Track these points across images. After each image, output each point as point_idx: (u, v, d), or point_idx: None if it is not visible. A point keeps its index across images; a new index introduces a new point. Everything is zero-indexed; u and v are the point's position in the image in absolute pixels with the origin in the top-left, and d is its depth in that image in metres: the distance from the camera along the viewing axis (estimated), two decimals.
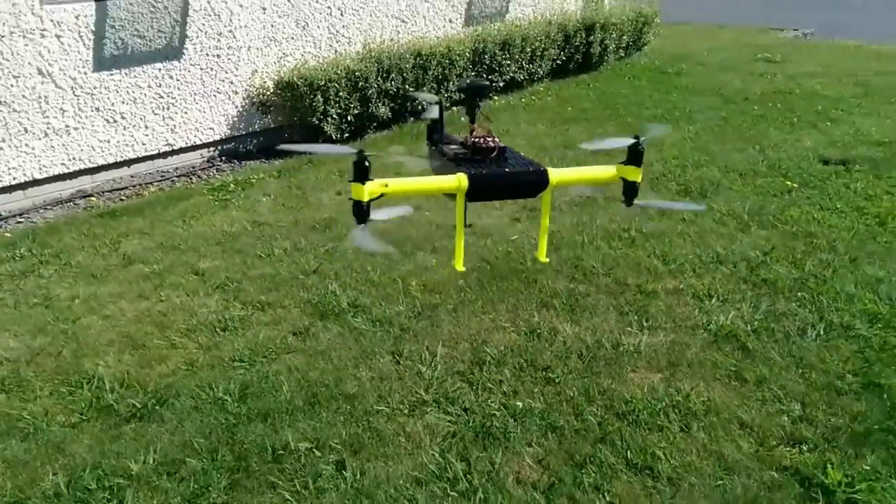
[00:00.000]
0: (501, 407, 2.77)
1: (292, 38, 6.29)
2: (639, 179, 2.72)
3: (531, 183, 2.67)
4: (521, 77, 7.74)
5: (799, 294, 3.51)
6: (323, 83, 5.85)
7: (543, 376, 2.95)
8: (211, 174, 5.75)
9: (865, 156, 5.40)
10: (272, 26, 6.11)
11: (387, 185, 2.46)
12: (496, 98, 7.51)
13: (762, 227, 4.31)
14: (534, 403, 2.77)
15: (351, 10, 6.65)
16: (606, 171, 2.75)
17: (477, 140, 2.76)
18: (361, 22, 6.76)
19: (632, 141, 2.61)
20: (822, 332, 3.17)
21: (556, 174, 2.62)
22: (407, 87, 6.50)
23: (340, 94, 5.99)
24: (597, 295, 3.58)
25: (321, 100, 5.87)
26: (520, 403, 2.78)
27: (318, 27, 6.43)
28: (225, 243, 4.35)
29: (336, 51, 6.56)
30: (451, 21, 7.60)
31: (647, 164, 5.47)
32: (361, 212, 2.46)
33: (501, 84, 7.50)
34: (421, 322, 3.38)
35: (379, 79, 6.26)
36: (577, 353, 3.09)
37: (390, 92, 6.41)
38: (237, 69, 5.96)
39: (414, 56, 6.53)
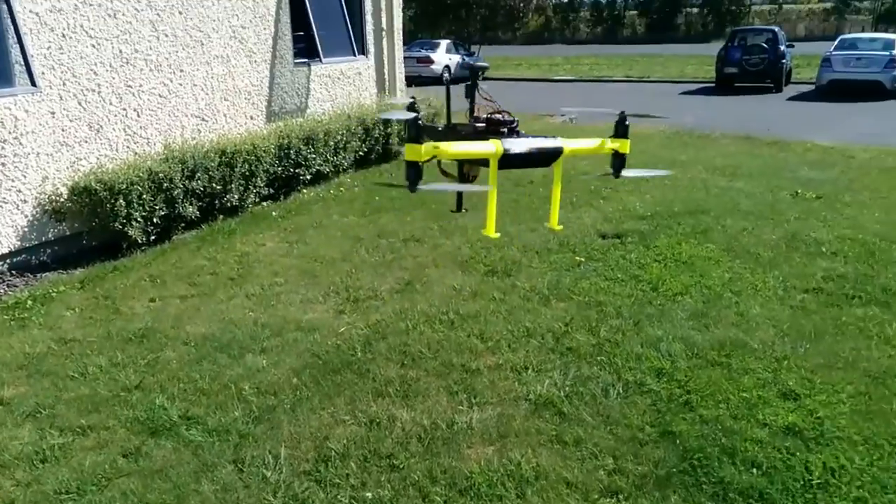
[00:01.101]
0: (351, 501, 2.87)
1: (86, 142, 6.08)
2: (627, 151, 3.24)
3: (551, 151, 3.07)
4: (327, 169, 8.02)
5: (598, 358, 3.99)
6: (124, 186, 5.70)
7: (388, 464, 3.10)
8: (2, 291, 5.32)
9: (634, 229, 6.24)
10: (63, 130, 5.89)
11: (437, 148, 2.70)
12: (305, 191, 7.69)
13: (560, 300, 4.83)
14: (382, 492, 2.91)
15: (148, 110, 6.58)
16: (603, 143, 3.26)
17: (495, 115, 3.20)
18: (160, 122, 6.70)
19: (609, 111, 3.25)
20: (621, 391, 3.64)
21: (567, 145, 3.07)
22: (214, 185, 6.51)
23: (144, 196, 5.86)
24: (427, 378, 3.81)
25: (123, 203, 5.71)
26: (369, 494, 2.90)
27: (114, 129, 6.28)
28: (29, 366, 4.07)
29: (135, 152, 6.43)
30: (251, 118, 7.75)
31: (456, 247, 5.95)
32: (416, 173, 2.61)
33: (308, 177, 7.71)
34: (259, 426, 3.41)
35: (185, 179, 6.22)
36: (417, 437, 3.28)
37: (197, 191, 6.37)
38: (25, 177, 5.64)
39: (219, 154, 6.57)
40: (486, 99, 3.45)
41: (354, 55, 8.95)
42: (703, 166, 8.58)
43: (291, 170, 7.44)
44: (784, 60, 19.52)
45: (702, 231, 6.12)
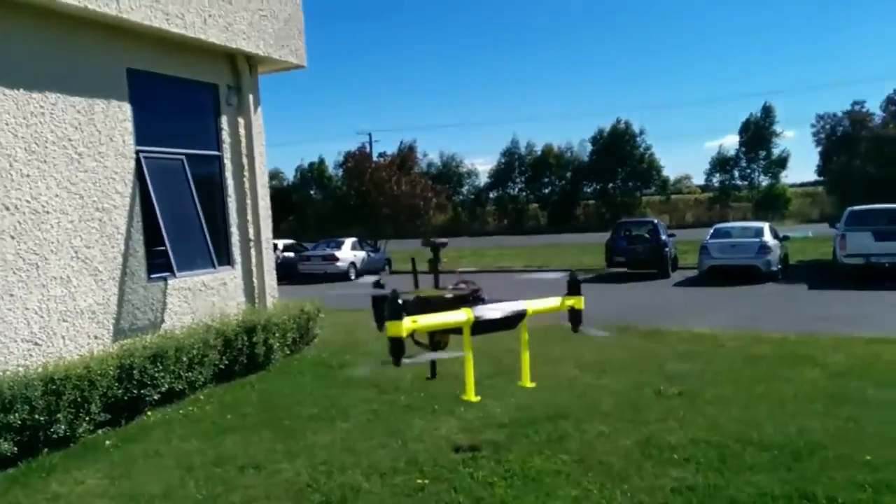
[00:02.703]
0: None
1: None
2: (581, 307, 3.81)
3: (517, 314, 3.56)
4: (181, 386, 7.54)
5: None
6: None
7: None
8: None
9: (490, 439, 5.93)
10: None
11: (415, 322, 3.16)
12: (150, 413, 7.14)
13: None
14: None
15: None
16: (558, 302, 3.78)
17: (458, 286, 3.59)
18: None
19: (566, 274, 3.75)
20: None
21: (531, 307, 3.63)
22: (36, 416, 5.93)
23: None
24: None
25: None
26: None
27: None
28: None
29: None
30: (96, 338, 7.32)
31: (296, 473, 5.48)
32: (399, 348, 2.96)
33: (157, 397, 7.19)
34: None
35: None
36: None
37: (14, 425, 5.78)
38: None
39: (46, 382, 6.06)
40: (448, 272, 3.82)
41: (214, 267, 8.79)
42: (573, 362, 8.54)
43: (135, 391, 6.93)
44: (667, 248, 20.68)
45: (557, 438, 5.86)
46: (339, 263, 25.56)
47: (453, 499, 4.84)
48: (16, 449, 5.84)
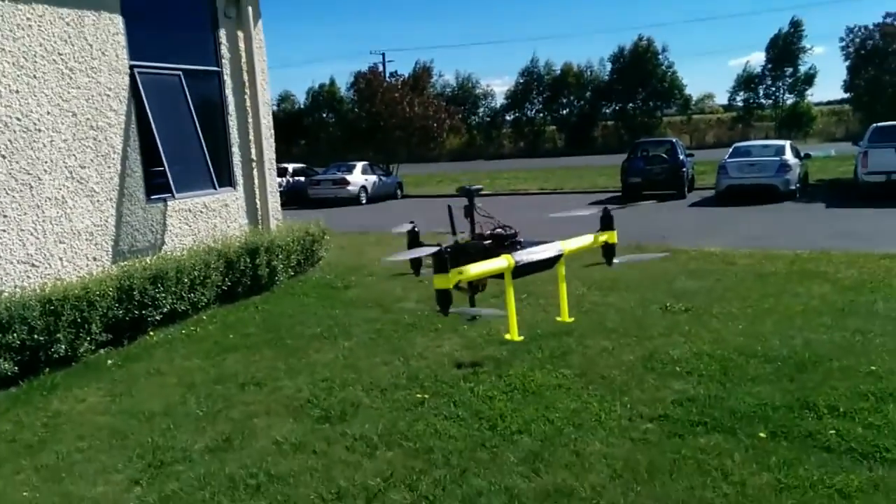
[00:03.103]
0: None
1: None
2: (615, 241, 3.88)
3: (553, 257, 3.66)
4: (183, 307, 7.50)
5: None
6: None
7: None
8: None
9: (492, 356, 5.86)
10: None
11: (461, 273, 3.25)
12: (153, 333, 7.13)
13: (389, 448, 4.34)
14: None
15: None
16: (596, 238, 3.87)
17: (498, 230, 3.72)
18: None
19: (594, 211, 3.99)
20: None
21: (566, 247, 3.73)
22: (36, 337, 5.92)
23: None
24: None
25: None
26: None
27: None
28: None
29: None
30: (94, 259, 7.26)
31: (297, 389, 5.45)
32: (447, 299, 3.10)
33: (159, 318, 7.17)
34: None
35: None
36: None
37: (13, 345, 5.77)
38: None
39: (44, 303, 6.02)
40: (484, 216, 3.95)
41: (215, 188, 8.62)
42: (581, 281, 8.39)
43: (136, 312, 6.90)
44: (684, 169, 20.22)
45: (560, 354, 5.78)
46: (349, 187, 25.32)
47: (452, 412, 4.79)
48: (16, 368, 5.85)
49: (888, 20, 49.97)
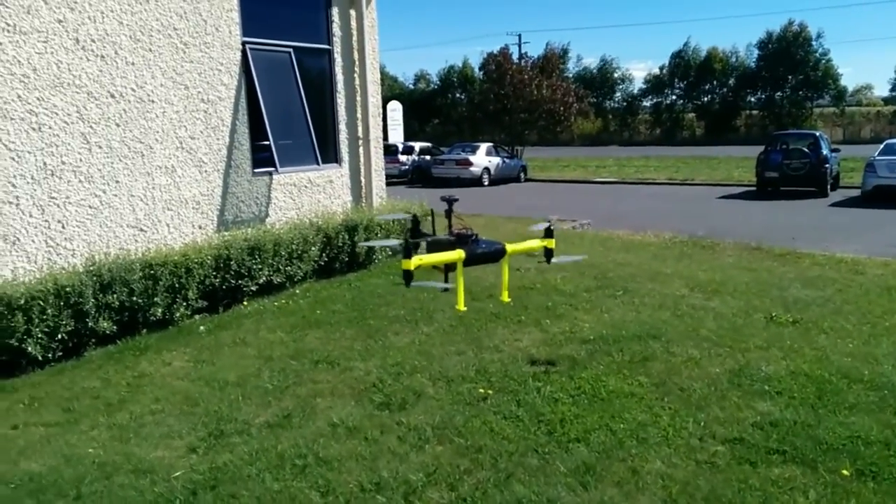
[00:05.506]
0: None
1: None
2: (553, 246, 5.32)
3: (498, 252, 5.02)
4: (280, 279, 7.72)
5: None
6: (23, 301, 5.49)
7: None
8: None
9: (569, 355, 5.60)
10: None
11: (421, 259, 4.68)
12: (246, 303, 7.37)
13: (440, 443, 4.22)
14: None
15: (75, 222, 6.47)
16: (537, 243, 5.28)
17: (459, 231, 5.02)
18: (89, 233, 6.58)
19: (546, 224, 5.36)
20: None
21: (509, 247, 5.08)
22: (135, 299, 6.26)
23: (48, 311, 5.63)
24: None
25: (21, 319, 5.48)
26: None
27: (34, 241, 6.17)
28: None
29: (56, 264, 6.27)
30: (200, 227, 7.58)
31: (367, 372, 5.44)
32: (409, 276, 4.54)
33: (254, 288, 7.41)
34: None
35: (98, 293, 5.98)
36: None
37: (113, 305, 6.13)
38: None
39: (144, 267, 6.35)
40: (458, 219, 5.30)
41: (318, 164, 8.78)
42: (684, 281, 7.87)
43: (233, 281, 7.16)
44: (827, 165, 18.66)
45: (641, 359, 5.43)
46: (472, 168, 25.32)
47: (512, 412, 4.60)
48: (115, 328, 6.20)
49: None
